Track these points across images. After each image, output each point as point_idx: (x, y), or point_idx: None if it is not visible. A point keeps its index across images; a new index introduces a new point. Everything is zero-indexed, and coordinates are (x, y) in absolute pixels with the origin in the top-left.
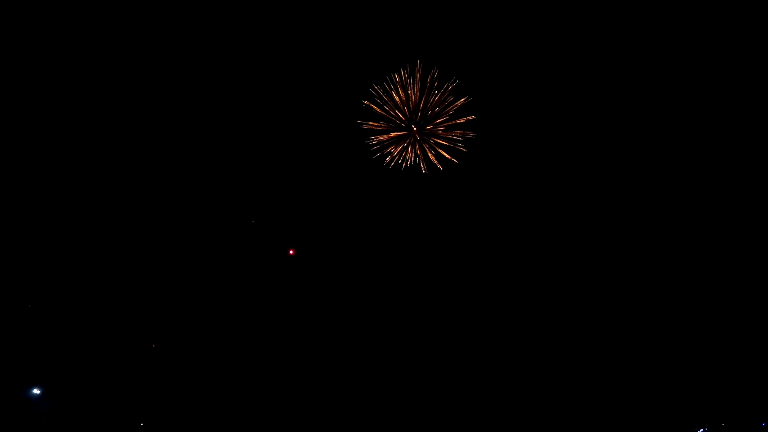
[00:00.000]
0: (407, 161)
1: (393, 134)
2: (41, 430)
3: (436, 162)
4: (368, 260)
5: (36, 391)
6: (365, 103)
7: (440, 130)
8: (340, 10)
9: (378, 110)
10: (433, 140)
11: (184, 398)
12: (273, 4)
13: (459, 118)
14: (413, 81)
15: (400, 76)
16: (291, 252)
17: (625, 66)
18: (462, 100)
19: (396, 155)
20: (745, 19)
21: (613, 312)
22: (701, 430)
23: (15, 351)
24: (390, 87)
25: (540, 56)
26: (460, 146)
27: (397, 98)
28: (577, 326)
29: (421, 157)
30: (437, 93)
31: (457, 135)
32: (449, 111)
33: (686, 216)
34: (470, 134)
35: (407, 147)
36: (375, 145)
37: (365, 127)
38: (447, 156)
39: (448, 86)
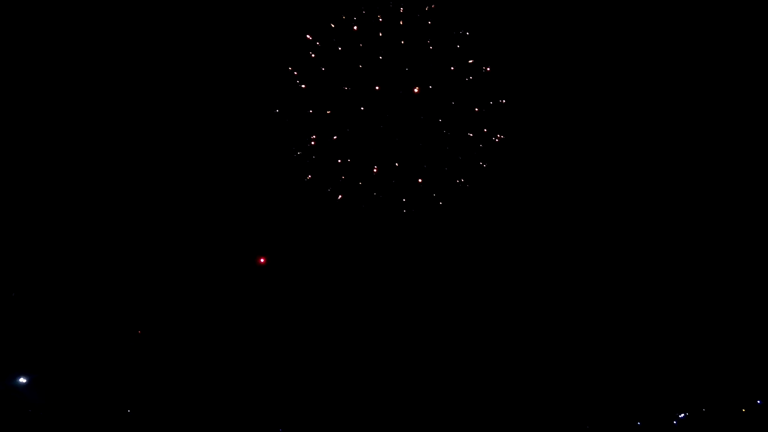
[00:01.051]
0: (375, 196)
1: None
2: (28, 419)
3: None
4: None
5: (23, 380)
6: (291, 72)
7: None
8: None
9: (301, 85)
10: (424, 142)
11: (173, 388)
12: None
13: (475, 102)
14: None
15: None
16: (261, 260)
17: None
18: (487, 69)
19: (344, 179)
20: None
21: (593, 299)
22: (682, 414)
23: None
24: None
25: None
26: (477, 157)
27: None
28: (559, 312)
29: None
30: (428, 47)
31: (472, 135)
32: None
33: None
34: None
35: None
36: (299, 154)
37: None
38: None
39: (454, 35)
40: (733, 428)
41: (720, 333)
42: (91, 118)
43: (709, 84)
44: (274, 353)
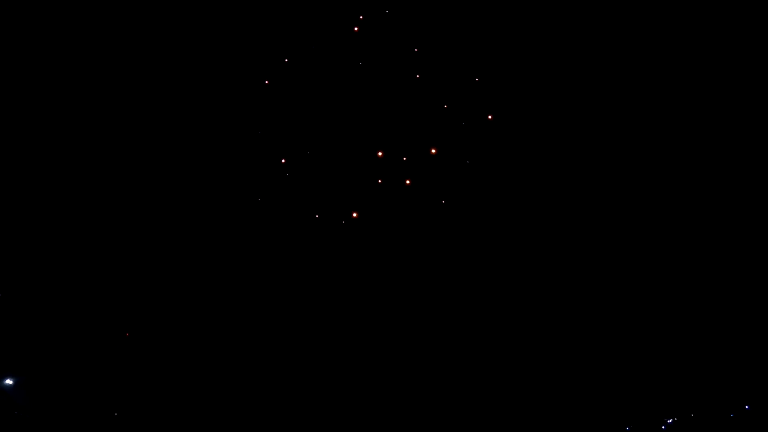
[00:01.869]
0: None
1: None
2: (14, 421)
3: None
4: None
5: (9, 381)
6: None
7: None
8: None
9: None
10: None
11: (162, 388)
12: None
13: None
14: None
15: None
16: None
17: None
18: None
19: None
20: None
21: (579, 300)
22: (670, 420)
23: None
24: None
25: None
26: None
27: None
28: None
29: None
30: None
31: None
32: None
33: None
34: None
35: None
36: None
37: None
38: None
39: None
40: None
41: (708, 338)
42: (62, 118)
43: (706, 89)
44: (265, 355)
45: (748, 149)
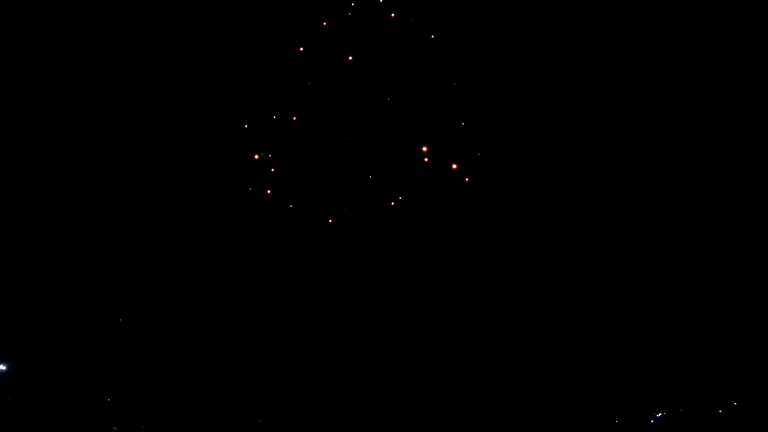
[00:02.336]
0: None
1: None
2: (5, 407)
3: None
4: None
5: (2, 367)
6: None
7: None
8: None
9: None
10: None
11: (153, 375)
12: None
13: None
14: None
15: None
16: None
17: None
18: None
19: None
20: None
21: (567, 294)
22: (659, 414)
23: None
24: None
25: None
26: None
27: None
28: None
29: None
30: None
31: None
32: None
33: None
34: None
35: None
36: None
37: None
38: None
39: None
40: (710, 429)
41: (697, 334)
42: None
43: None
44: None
45: (748, 149)
